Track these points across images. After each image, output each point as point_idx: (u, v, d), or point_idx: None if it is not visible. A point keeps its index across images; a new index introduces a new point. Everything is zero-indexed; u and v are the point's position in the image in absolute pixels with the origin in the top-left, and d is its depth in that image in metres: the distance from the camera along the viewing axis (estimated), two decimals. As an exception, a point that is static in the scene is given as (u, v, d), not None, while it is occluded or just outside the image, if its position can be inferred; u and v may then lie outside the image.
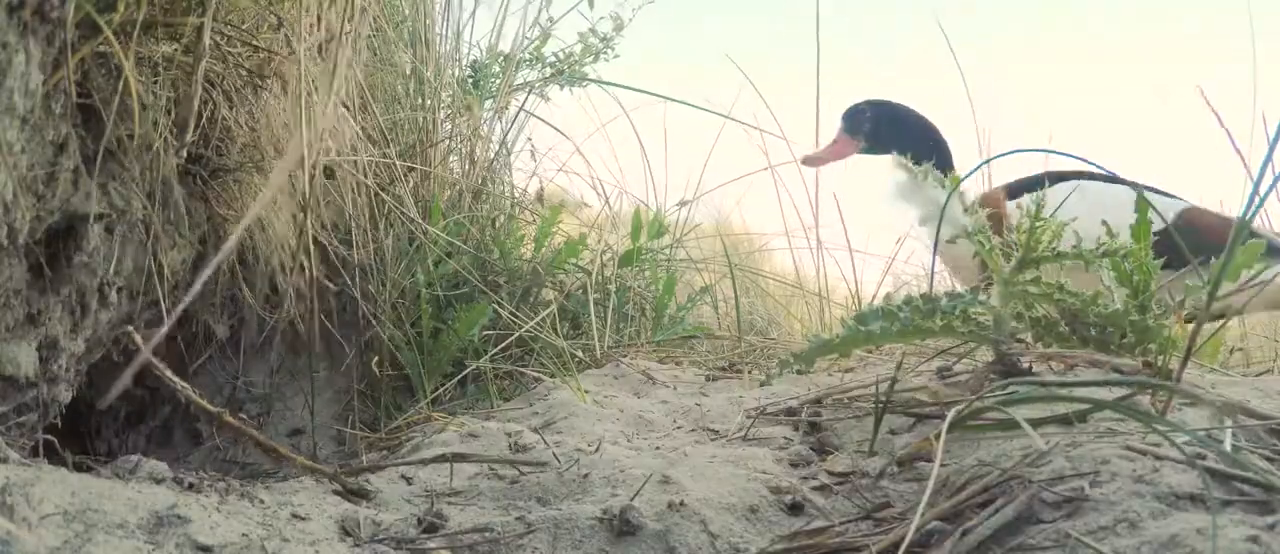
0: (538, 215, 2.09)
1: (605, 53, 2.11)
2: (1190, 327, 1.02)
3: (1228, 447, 0.84)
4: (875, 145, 2.07)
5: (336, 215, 1.73)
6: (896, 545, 0.81)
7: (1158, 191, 1.87)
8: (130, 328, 1.07)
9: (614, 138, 2.41)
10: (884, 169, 2.03)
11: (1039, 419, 0.99)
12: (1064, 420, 0.99)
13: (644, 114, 2.34)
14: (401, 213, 1.78)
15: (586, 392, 1.54)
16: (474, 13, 2.15)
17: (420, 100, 1.94)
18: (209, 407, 1.03)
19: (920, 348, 1.57)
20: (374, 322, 1.75)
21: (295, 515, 0.92)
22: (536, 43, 2.12)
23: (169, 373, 1.03)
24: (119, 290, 1.16)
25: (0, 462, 0.84)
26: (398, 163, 1.79)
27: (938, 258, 1.79)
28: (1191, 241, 1.53)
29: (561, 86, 2.14)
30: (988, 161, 2.19)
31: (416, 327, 1.73)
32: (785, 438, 1.26)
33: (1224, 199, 2.03)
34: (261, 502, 0.95)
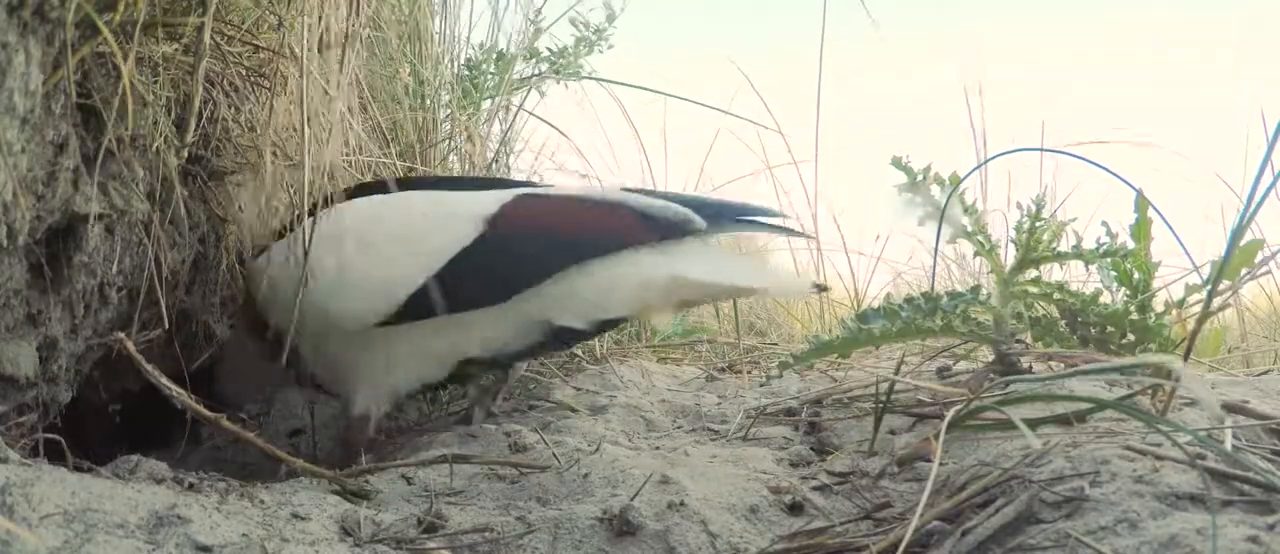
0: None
1: (598, 44, 2.09)
2: (1191, 325, 1.03)
3: (1228, 447, 0.84)
4: None
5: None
6: (896, 545, 0.81)
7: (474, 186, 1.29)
8: (122, 334, 1.06)
9: (613, 136, 2.41)
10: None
11: (1039, 419, 0.99)
12: (1064, 420, 0.99)
13: (643, 113, 2.34)
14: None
15: (587, 391, 1.54)
16: (472, 11, 2.15)
17: (419, 100, 1.94)
18: (206, 413, 1.02)
19: (921, 347, 1.57)
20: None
21: (295, 515, 0.92)
22: (529, 38, 2.11)
23: (163, 379, 1.03)
24: (119, 290, 1.16)
25: (0, 462, 0.84)
26: (398, 163, 1.79)
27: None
28: (519, 251, 1.13)
29: (557, 82, 2.13)
30: (987, 161, 2.20)
31: (416, 326, 1.73)
32: (785, 438, 1.26)
33: (1223, 202, 2.03)
34: (261, 502, 0.95)
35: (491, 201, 1.17)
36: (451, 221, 1.14)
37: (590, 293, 1.18)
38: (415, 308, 1.13)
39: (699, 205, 1.23)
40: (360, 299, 1.13)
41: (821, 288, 1.47)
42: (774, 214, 1.34)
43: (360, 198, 1.21)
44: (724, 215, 1.25)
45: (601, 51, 2.09)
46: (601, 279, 1.18)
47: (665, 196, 1.26)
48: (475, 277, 1.09)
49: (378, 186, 1.24)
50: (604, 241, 1.18)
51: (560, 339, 1.24)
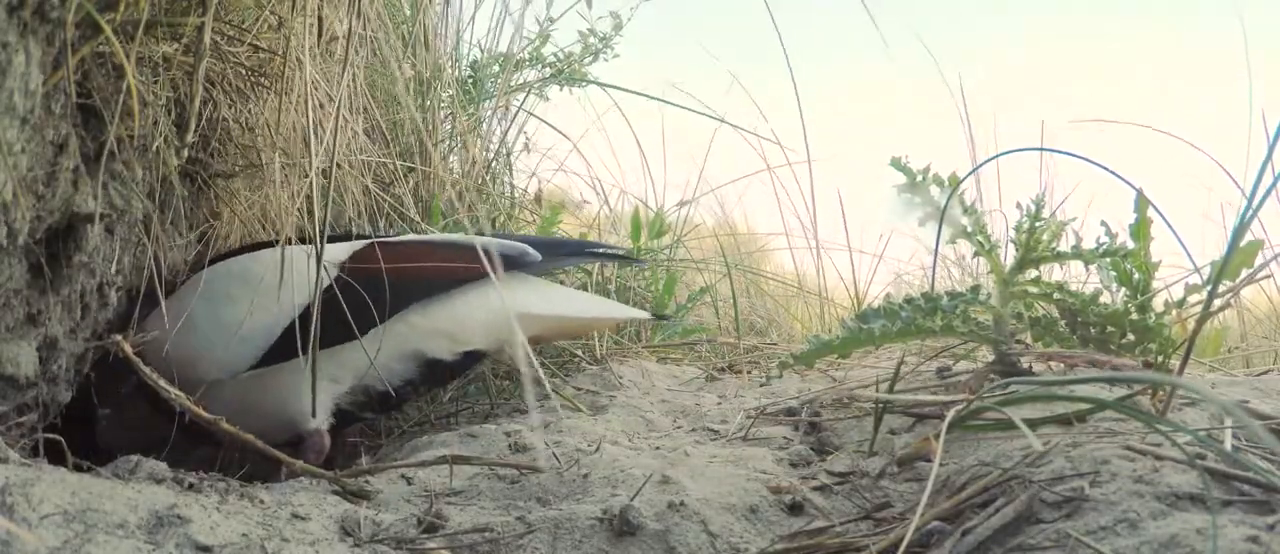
0: (538, 215, 2.09)
1: (605, 52, 2.11)
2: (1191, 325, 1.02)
3: (1228, 447, 0.84)
4: None
5: (336, 216, 1.73)
6: (896, 545, 0.81)
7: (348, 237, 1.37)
8: (119, 336, 1.06)
9: (613, 137, 2.42)
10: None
11: (1039, 419, 0.99)
12: (1064, 420, 0.99)
13: (643, 113, 2.35)
14: (401, 213, 1.78)
15: (587, 391, 1.54)
16: (474, 14, 2.16)
17: (420, 100, 1.94)
18: (204, 414, 1.02)
19: (921, 347, 1.57)
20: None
21: (295, 515, 0.92)
22: (536, 43, 2.12)
23: (161, 381, 1.03)
24: (118, 290, 1.16)
25: (0, 462, 0.84)
26: (398, 163, 1.79)
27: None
28: (377, 284, 1.21)
29: (561, 87, 2.14)
30: (986, 161, 2.20)
31: (416, 327, 1.72)
32: (785, 438, 1.26)
33: (1223, 202, 2.04)
34: (261, 502, 0.95)
35: (344, 250, 1.26)
36: (308, 271, 1.19)
37: (444, 325, 1.28)
38: (284, 348, 1.19)
39: (533, 242, 1.37)
40: (240, 343, 1.22)
41: (661, 316, 1.71)
42: (606, 247, 1.52)
43: (233, 257, 1.29)
44: (557, 250, 1.41)
45: (607, 60, 2.11)
46: (450, 313, 1.29)
47: (504, 235, 1.47)
48: (332, 315, 1.17)
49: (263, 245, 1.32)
50: (446, 278, 1.29)
51: (434, 373, 1.32)
